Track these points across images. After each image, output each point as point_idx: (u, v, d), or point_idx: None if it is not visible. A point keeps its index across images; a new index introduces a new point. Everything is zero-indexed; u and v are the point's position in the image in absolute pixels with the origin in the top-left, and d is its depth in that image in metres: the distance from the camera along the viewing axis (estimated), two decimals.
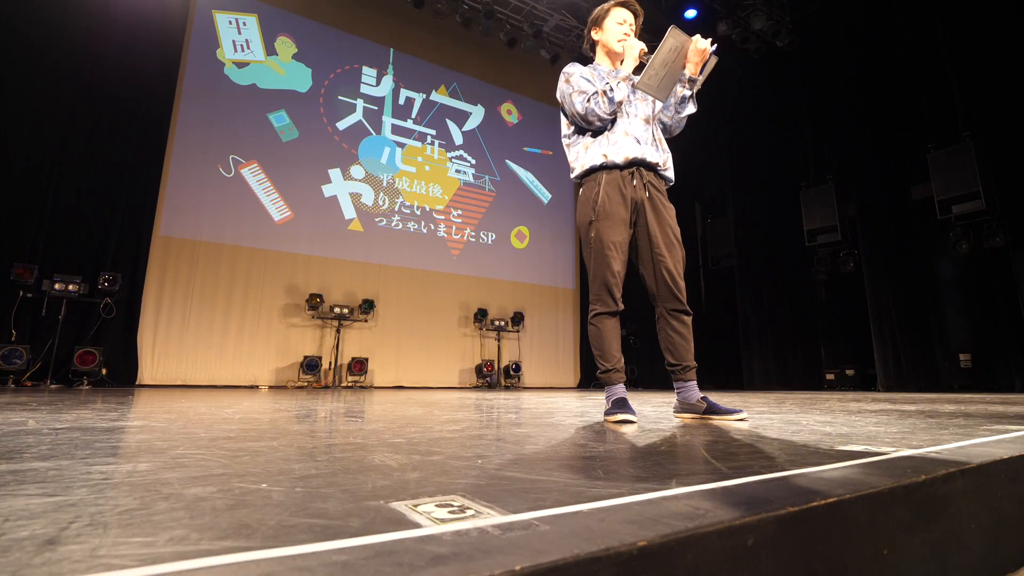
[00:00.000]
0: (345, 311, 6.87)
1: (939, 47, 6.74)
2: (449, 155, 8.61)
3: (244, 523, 0.52)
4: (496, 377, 8.01)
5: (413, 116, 8.39)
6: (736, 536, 0.51)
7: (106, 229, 5.87)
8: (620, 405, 1.83)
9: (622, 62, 2.01)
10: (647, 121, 2.04)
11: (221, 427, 1.49)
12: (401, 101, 8.30)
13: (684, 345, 1.93)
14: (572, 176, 2.08)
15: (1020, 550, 0.81)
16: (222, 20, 7.03)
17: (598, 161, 1.96)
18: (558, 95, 2.07)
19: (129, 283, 5.89)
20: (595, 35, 2.15)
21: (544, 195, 9.53)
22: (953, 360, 6.45)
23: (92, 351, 5.38)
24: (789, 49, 8.44)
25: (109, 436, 1.25)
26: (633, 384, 8.79)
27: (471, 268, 8.40)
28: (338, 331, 6.97)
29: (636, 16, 2.11)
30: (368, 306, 7.17)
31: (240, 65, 7.04)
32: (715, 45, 1.94)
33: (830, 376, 7.75)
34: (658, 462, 0.93)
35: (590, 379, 8.82)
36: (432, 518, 0.54)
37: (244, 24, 7.17)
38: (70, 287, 5.33)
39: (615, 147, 1.96)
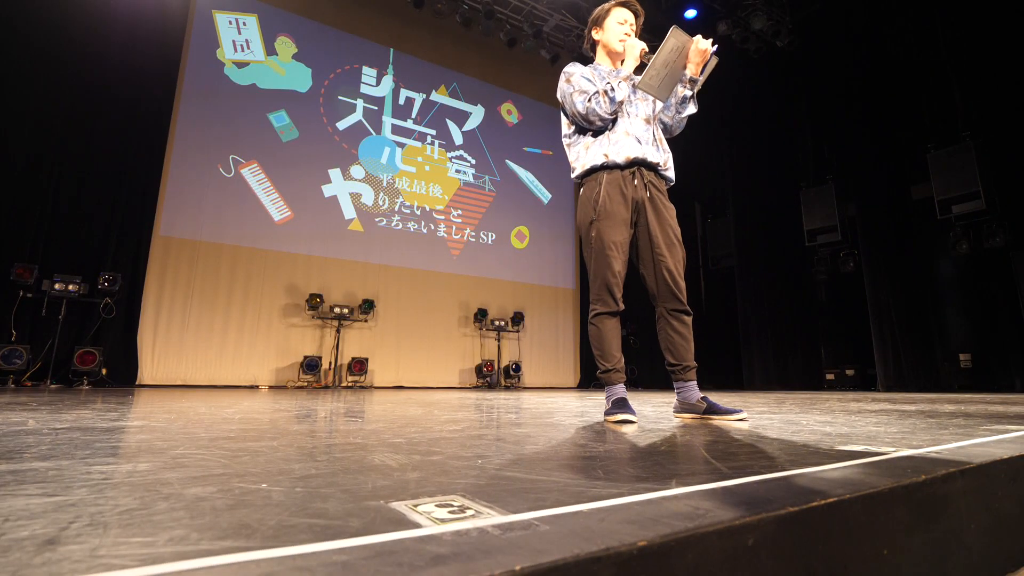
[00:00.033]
0: (345, 311, 6.87)
1: (939, 47, 6.74)
2: (449, 155, 8.61)
3: (244, 523, 0.52)
4: (496, 377, 8.01)
5: (413, 116, 8.39)
6: (736, 536, 0.51)
7: (106, 229, 5.87)
8: (620, 405, 1.83)
9: (623, 62, 2.01)
10: (648, 121, 2.04)
11: (221, 427, 1.49)
12: (401, 101, 8.30)
13: (684, 345, 1.93)
14: (573, 176, 2.08)
15: (1020, 550, 0.81)
16: (222, 20, 7.04)
17: (599, 161, 1.96)
18: (559, 95, 2.07)
19: (129, 283, 5.89)
20: (596, 35, 2.15)
21: (544, 195, 9.53)
22: (953, 360, 6.45)
23: (92, 351, 5.38)
24: (789, 49, 8.44)
25: (109, 436, 1.25)
26: (633, 384, 8.79)
27: (471, 268, 8.40)
28: (338, 331, 6.97)
29: (637, 16, 2.11)
30: (368, 306, 7.17)
31: (240, 65, 7.04)
32: (716, 46, 1.94)
33: (830, 376, 7.75)
34: (658, 462, 0.93)
35: (590, 379, 8.82)
36: (432, 518, 0.54)
37: (244, 24, 7.17)
38: (70, 287, 5.33)
39: (616, 147, 1.96)
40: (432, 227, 8.19)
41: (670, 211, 2.00)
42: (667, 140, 2.13)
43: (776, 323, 8.21)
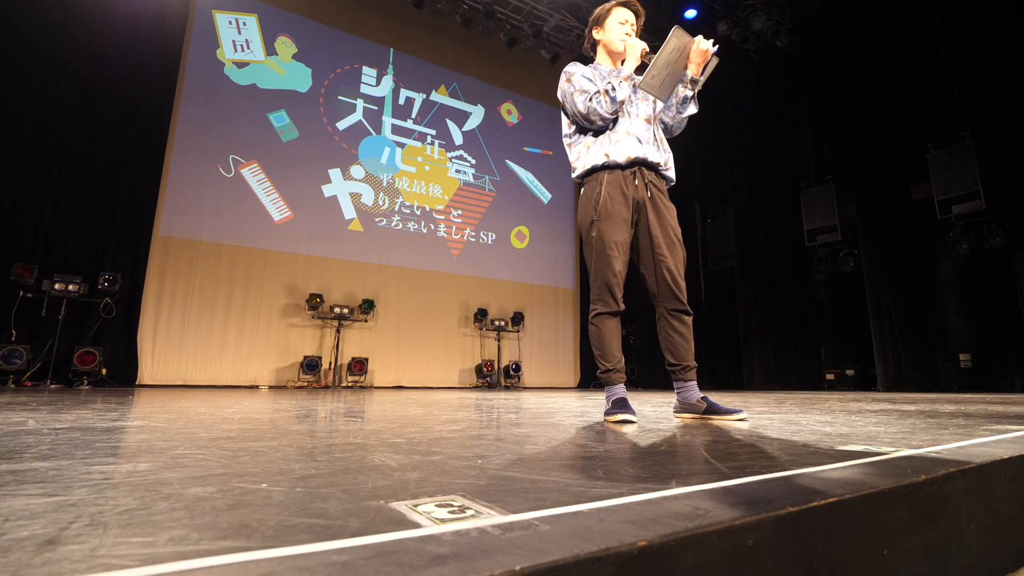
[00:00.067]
0: (345, 311, 6.87)
1: (939, 47, 6.74)
2: (449, 155, 8.61)
3: (244, 523, 0.52)
4: (496, 377, 8.01)
5: (413, 116, 8.39)
6: (736, 536, 0.51)
7: (106, 229, 5.87)
8: (620, 405, 1.83)
9: (623, 62, 2.01)
10: (648, 121, 2.04)
11: (221, 427, 1.49)
12: (401, 101, 8.30)
13: (684, 345, 1.93)
14: (574, 176, 2.08)
15: (1020, 550, 0.81)
16: (222, 20, 7.04)
17: (600, 160, 1.96)
18: (559, 94, 2.07)
19: (129, 283, 5.89)
20: (596, 34, 2.15)
21: (544, 195, 9.53)
22: (953, 360, 6.45)
23: (92, 351, 5.37)
24: (789, 49, 8.44)
25: (109, 436, 1.25)
26: (633, 384, 8.79)
27: (471, 268, 8.40)
28: (338, 331, 6.97)
29: (638, 16, 2.11)
30: (368, 306, 7.17)
31: (240, 65, 7.04)
32: (717, 46, 1.94)
33: (830, 376, 7.75)
34: (658, 462, 0.93)
35: (590, 379, 8.82)
36: (432, 518, 0.54)
37: (244, 24, 7.17)
38: (70, 287, 5.33)
39: (617, 147, 1.96)
40: (432, 227, 8.19)
41: (671, 211, 2.00)
42: (667, 140, 2.13)
43: (776, 323, 8.21)
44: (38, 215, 5.48)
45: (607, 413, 1.83)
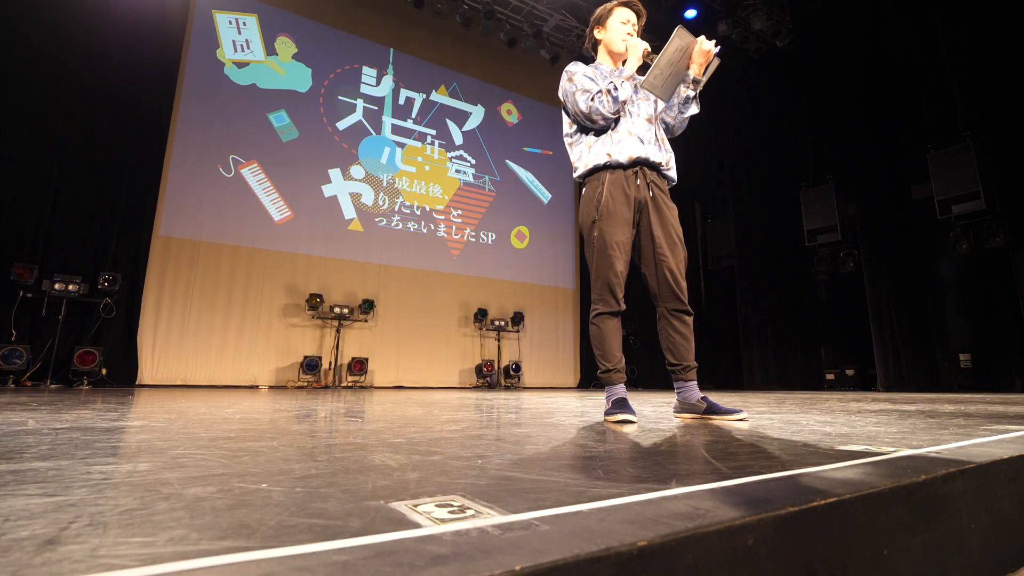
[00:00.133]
0: (345, 311, 6.87)
1: (939, 47, 6.74)
2: (449, 155, 8.61)
3: (244, 523, 0.52)
4: (496, 377, 8.01)
5: (413, 116, 8.39)
6: (736, 536, 0.51)
7: (106, 229, 5.87)
8: (620, 405, 1.83)
9: (624, 62, 2.01)
10: (650, 121, 2.04)
11: (221, 427, 1.49)
12: (401, 101, 8.30)
13: (685, 345, 1.93)
14: (575, 175, 2.07)
15: (1020, 550, 0.81)
16: (222, 20, 7.03)
17: (602, 160, 1.96)
18: (560, 94, 2.07)
19: (129, 283, 5.89)
20: (598, 34, 2.15)
21: (544, 195, 9.53)
22: (953, 360, 6.45)
23: (92, 351, 5.37)
24: (789, 49, 8.44)
25: (109, 436, 1.25)
26: (633, 384, 8.79)
27: (471, 268, 8.40)
28: (338, 331, 6.97)
29: (639, 16, 2.11)
30: (368, 306, 7.17)
31: (240, 65, 7.04)
32: (719, 47, 1.95)
33: (830, 376, 7.75)
34: (658, 462, 0.93)
35: (590, 379, 8.82)
36: (432, 518, 0.54)
37: (244, 24, 7.17)
38: (70, 287, 5.33)
39: (619, 146, 1.96)
40: (432, 227, 8.19)
41: (672, 211, 2.00)
42: (668, 140, 2.13)
43: (776, 323, 8.21)
44: (38, 215, 5.49)
45: (607, 413, 1.83)
